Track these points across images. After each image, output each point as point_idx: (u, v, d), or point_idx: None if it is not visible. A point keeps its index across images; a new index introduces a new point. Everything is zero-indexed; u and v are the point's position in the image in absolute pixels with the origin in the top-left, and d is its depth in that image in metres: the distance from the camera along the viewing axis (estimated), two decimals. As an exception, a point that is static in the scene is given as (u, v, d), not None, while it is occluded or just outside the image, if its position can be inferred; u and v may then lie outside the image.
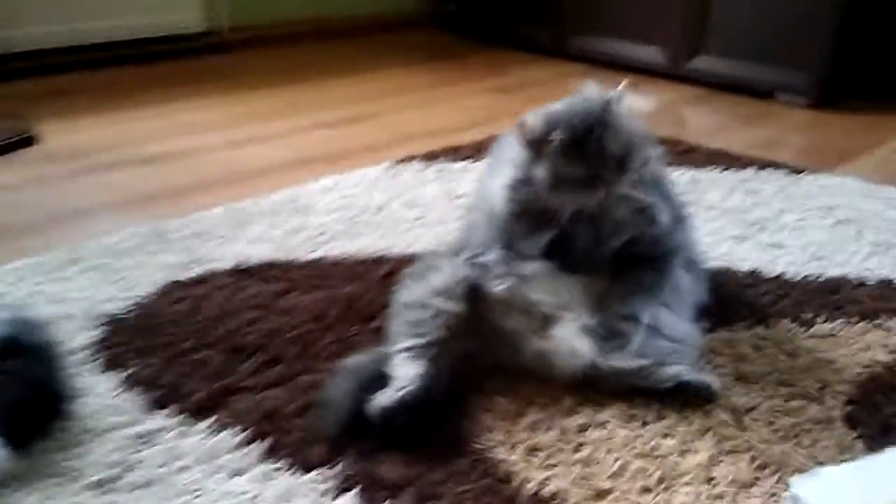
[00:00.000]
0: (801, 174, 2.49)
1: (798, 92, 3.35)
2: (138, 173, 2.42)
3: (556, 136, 1.39)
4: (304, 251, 1.90)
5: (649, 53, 3.76)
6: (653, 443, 1.28)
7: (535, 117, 1.42)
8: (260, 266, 1.81)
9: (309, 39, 4.21)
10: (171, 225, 2.01)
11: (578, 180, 1.40)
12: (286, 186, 2.27)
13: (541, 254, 1.47)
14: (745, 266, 1.89)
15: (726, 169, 2.53)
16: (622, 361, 1.38)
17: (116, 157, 2.54)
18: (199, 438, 1.26)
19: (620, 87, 1.45)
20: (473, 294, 1.42)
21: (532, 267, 1.46)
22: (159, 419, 1.30)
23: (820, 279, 1.83)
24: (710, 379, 1.39)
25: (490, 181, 1.57)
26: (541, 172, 1.42)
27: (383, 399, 1.27)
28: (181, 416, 1.31)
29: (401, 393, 1.27)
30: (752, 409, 1.37)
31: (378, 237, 1.99)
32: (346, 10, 4.41)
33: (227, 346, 1.51)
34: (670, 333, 1.44)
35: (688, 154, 2.64)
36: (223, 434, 1.27)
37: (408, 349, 1.37)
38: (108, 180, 2.35)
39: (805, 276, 1.84)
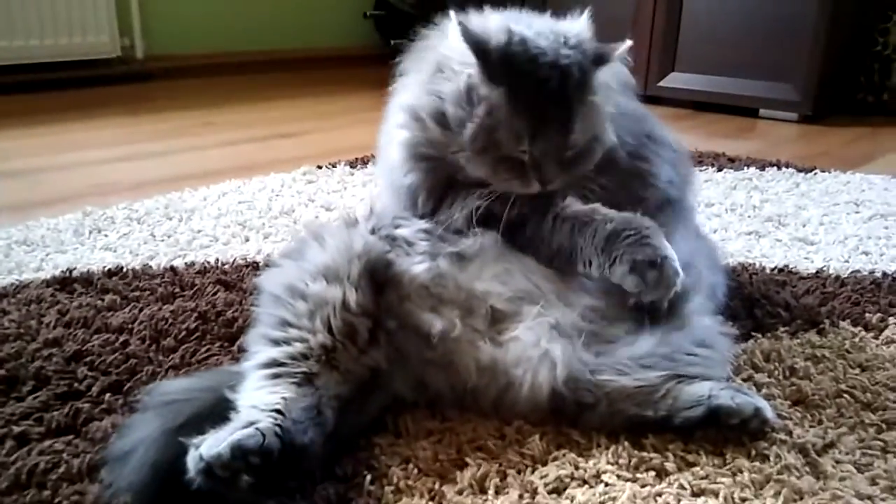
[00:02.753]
0: (813, 173, 2.04)
1: (786, 107, 2.98)
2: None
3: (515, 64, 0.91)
4: (165, 258, 1.37)
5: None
6: (680, 506, 0.75)
7: (497, 30, 0.93)
8: (95, 275, 1.27)
9: (246, 71, 3.80)
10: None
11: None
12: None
13: (475, 222, 0.95)
14: (770, 262, 1.39)
15: (722, 169, 2.07)
16: (619, 376, 0.86)
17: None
18: None
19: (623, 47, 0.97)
20: (379, 277, 0.90)
21: (471, 241, 0.95)
22: None
23: (875, 274, 1.33)
24: (759, 401, 0.86)
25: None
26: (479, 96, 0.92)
27: (209, 446, 0.72)
28: None
29: (238, 436, 0.72)
30: (830, 446, 0.85)
31: (271, 242, 1.47)
32: (289, 43, 4.03)
33: (1, 376, 0.96)
34: (686, 327, 0.93)
35: (673, 156, 2.17)
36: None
37: (265, 364, 0.84)
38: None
39: (855, 272, 1.34)
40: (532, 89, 0.90)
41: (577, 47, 0.94)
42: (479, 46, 0.90)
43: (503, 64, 0.90)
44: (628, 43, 0.97)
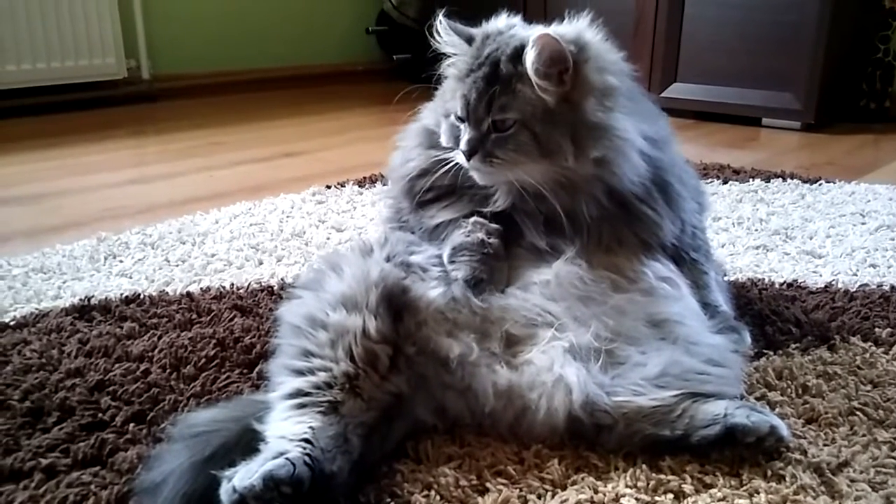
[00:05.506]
0: (818, 184, 2.05)
1: (788, 116, 3.00)
2: (9, 212, 1.91)
3: None
4: (181, 283, 1.39)
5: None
6: (699, 528, 0.76)
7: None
8: (113, 303, 1.29)
9: (251, 89, 3.83)
10: (9, 261, 1.48)
11: None
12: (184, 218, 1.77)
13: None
14: (779, 277, 1.41)
15: (727, 181, 2.09)
16: (635, 396, 0.87)
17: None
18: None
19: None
20: (396, 303, 0.92)
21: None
22: None
23: (883, 288, 1.35)
24: (774, 419, 0.88)
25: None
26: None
27: (241, 478, 0.74)
28: None
29: (269, 467, 0.74)
30: (845, 464, 0.87)
31: (285, 265, 1.49)
32: (293, 61, 4.06)
33: (26, 407, 0.97)
34: (699, 347, 0.94)
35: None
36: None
37: (291, 395, 0.85)
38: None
39: (863, 286, 1.36)
40: (475, 71, 1.00)
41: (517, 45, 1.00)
42: (462, 33, 1.05)
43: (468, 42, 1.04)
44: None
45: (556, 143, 0.97)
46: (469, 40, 1.04)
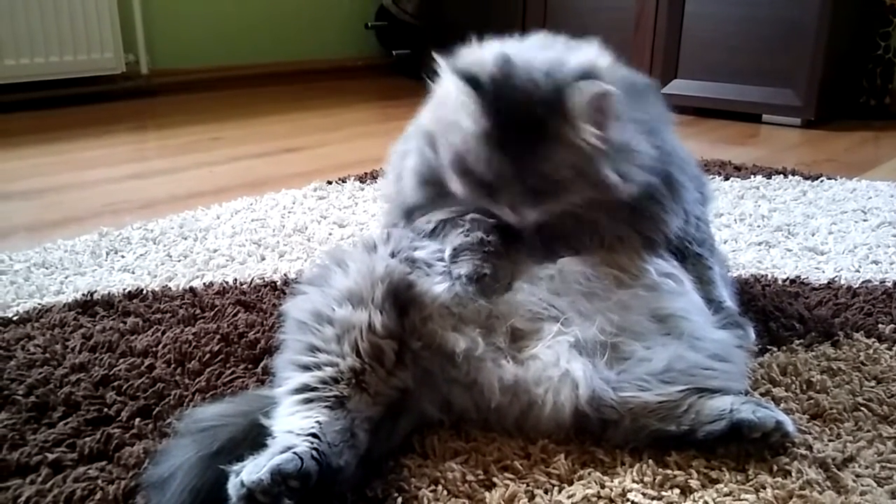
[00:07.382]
0: (819, 180, 2.05)
1: (789, 112, 3.00)
2: (10, 206, 1.91)
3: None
4: (183, 279, 1.39)
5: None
6: (706, 523, 0.77)
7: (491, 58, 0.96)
8: (116, 298, 1.29)
9: (250, 84, 3.82)
10: (10, 256, 1.48)
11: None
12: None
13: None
14: (782, 273, 1.41)
15: (729, 178, 2.09)
16: (641, 391, 0.87)
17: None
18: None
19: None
20: (402, 298, 0.92)
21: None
22: None
23: (886, 284, 1.35)
24: (779, 415, 0.88)
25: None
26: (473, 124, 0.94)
27: (249, 472, 0.74)
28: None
29: (277, 461, 0.74)
30: (850, 460, 0.87)
31: (287, 261, 1.49)
32: (292, 56, 4.05)
33: (32, 402, 0.97)
34: (704, 342, 0.94)
35: (680, 165, 2.19)
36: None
37: (298, 390, 0.85)
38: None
39: (866, 282, 1.36)
40: (503, 121, 0.93)
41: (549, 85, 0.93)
42: (469, 79, 0.94)
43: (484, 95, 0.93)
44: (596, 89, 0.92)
45: (600, 175, 0.94)
46: (475, 84, 0.93)
